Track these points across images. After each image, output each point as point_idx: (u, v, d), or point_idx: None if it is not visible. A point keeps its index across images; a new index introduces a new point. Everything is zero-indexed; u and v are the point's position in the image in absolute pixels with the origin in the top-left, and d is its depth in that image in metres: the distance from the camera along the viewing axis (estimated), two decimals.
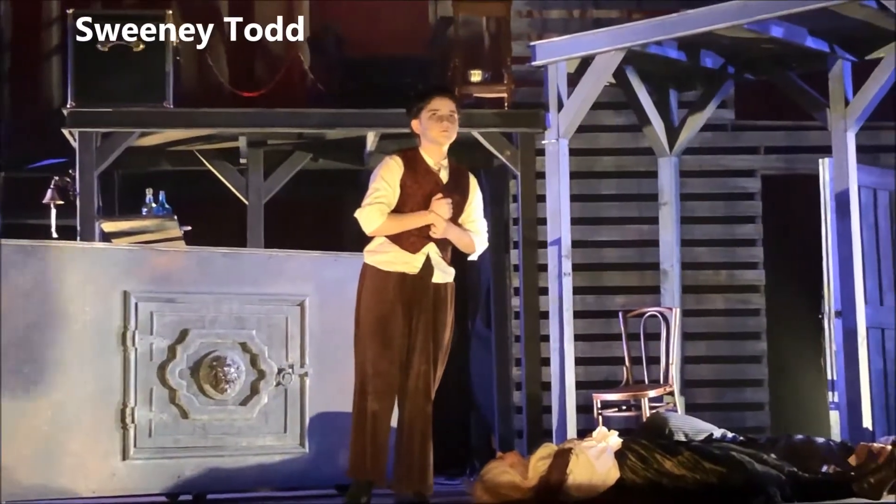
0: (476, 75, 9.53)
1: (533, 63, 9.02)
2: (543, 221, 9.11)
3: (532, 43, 9.14)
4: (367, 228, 5.89)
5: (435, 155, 5.95)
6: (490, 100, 9.57)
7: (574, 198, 9.14)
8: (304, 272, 7.21)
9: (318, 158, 10.02)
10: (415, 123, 5.97)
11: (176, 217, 8.74)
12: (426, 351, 5.81)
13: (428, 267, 5.86)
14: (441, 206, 5.85)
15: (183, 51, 9.59)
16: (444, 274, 5.93)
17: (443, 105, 5.93)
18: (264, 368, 7.08)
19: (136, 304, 6.81)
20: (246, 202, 9.81)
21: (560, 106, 8.87)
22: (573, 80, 8.95)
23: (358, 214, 5.89)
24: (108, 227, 8.86)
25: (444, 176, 5.95)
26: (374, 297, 5.83)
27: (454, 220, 5.94)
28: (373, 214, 5.84)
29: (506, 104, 9.45)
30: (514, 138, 9.38)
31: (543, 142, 9.03)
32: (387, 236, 5.88)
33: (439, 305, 5.88)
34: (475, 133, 9.28)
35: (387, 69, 9.62)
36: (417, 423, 5.82)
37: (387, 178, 5.89)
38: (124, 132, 9.05)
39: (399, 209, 5.88)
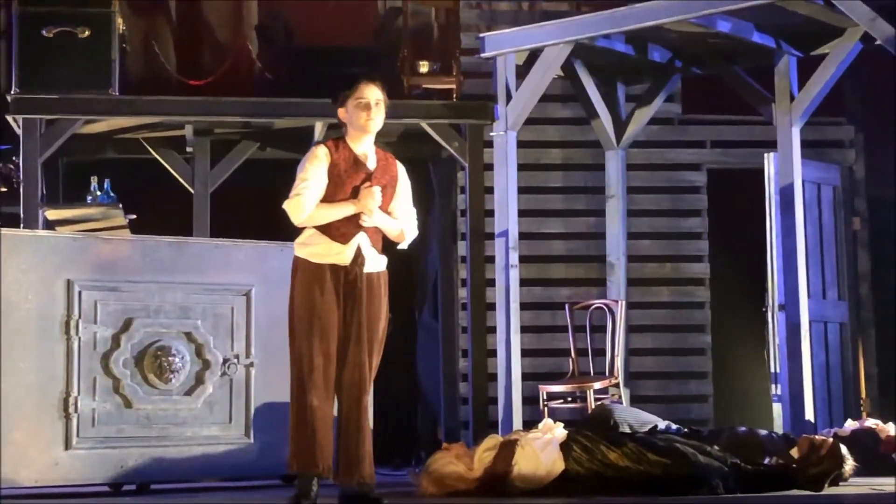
0: (425, 66, 9.52)
1: (482, 55, 9.03)
2: (491, 213, 9.12)
3: (481, 35, 9.15)
4: (296, 220, 5.81)
5: (362, 143, 5.90)
6: (438, 91, 9.56)
7: (521, 190, 9.17)
8: (250, 262, 7.18)
9: (265, 148, 9.97)
10: (341, 112, 5.92)
11: (121, 205, 8.66)
12: (361, 342, 5.76)
13: (359, 257, 5.80)
14: (370, 195, 5.80)
15: (129, 38, 9.51)
16: (376, 263, 5.88)
17: (369, 93, 5.87)
18: (209, 358, 7.05)
19: (80, 293, 6.75)
20: (192, 191, 9.75)
21: (508, 98, 8.89)
22: (522, 72, 8.98)
23: (286, 206, 5.81)
24: (52, 214, 8.78)
25: (371, 164, 5.90)
26: (307, 291, 5.77)
27: (383, 208, 5.89)
28: (300, 205, 5.75)
29: (454, 95, 9.45)
30: (462, 130, 9.37)
31: (492, 133, 9.04)
32: (316, 227, 5.81)
33: (373, 295, 5.83)
34: (423, 124, 9.27)
35: (335, 59, 9.58)
36: (353, 415, 5.78)
37: (313, 168, 5.80)
38: (69, 119, 8.96)
39: (328, 199, 5.81)
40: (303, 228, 5.86)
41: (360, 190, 5.81)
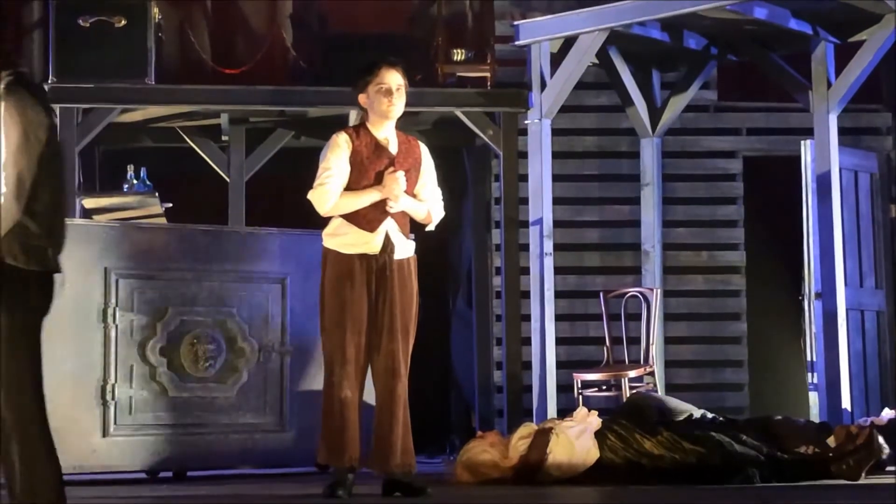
0: (459, 54, 9.50)
1: (516, 42, 9.01)
2: (525, 201, 9.10)
3: (515, 22, 9.12)
4: (321, 210, 5.77)
5: (384, 129, 5.85)
6: (473, 79, 9.54)
7: (556, 178, 9.14)
8: (285, 250, 7.20)
9: (300, 136, 9.99)
10: (362, 98, 5.86)
11: (157, 194, 8.71)
12: (393, 330, 5.73)
13: (388, 244, 5.77)
14: (394, 180, 5.75)
15: (165, 27, 9.54)
16: (405, 249, 5.85)
17: (390, 78, 5.81)
18: (244, 347, 7.08)
19: (117, 281, 6.80)
20: (227, 179, 9.78)
21: (543, 86, 8.86)
22: (556, 59, 8.95)
23: (310, 196, 5.77)
24: (89, 203, 8.83)
25: (394, 149, 5.84)
26: (338, 283, 5.74)
27: (409, 191, 5.85)
28: (325, 195, 5.72)
29: (489, 83, 9.43)
30: (496, 118, 9.36)
31: (526, 121, 9.02)
32: (343, 216, 5.78)
33: (403, 282, 5.79)
34: (458, 112, 9.26)
35: (369, 47, 9.57)
36: (386, 404, 5.76)
37: (335, 157, 5.77)
38: (105, 108, 8.99)
39: (352, 186, 5.76)
40: (329, 218, 5.85)
41: (384, 176, 5.78)
